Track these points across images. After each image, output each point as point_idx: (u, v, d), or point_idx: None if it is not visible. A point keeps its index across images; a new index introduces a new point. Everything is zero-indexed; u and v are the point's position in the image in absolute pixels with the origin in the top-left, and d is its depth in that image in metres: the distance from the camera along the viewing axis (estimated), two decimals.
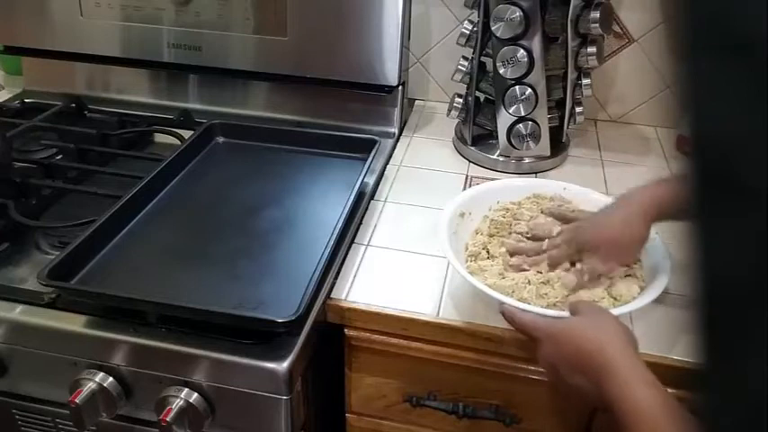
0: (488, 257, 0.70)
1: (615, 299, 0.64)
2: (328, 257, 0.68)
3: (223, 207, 0.82)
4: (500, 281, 0.65)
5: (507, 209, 0.75)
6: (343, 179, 0.86)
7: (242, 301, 0.65)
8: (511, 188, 0.79)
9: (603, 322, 0.55)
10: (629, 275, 0.66)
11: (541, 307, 0.62)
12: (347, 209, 0.76)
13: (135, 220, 0.78)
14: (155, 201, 0.81)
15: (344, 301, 0.69)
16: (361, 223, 0.81)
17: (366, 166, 0.84)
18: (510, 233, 0.72)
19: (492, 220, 0.74)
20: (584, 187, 0.78)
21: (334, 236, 0.70)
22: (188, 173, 0.88)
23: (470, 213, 0.75)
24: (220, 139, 0.97)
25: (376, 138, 0.91)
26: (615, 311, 0.60)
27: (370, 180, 0.88)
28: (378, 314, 0.68)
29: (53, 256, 0.69)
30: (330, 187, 0.86)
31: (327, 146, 0.94)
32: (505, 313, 0.60)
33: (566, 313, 0.60)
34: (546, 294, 0.64)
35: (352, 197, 0.78)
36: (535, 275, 0.66)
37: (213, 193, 0.85)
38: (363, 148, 0.90)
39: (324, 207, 0.82)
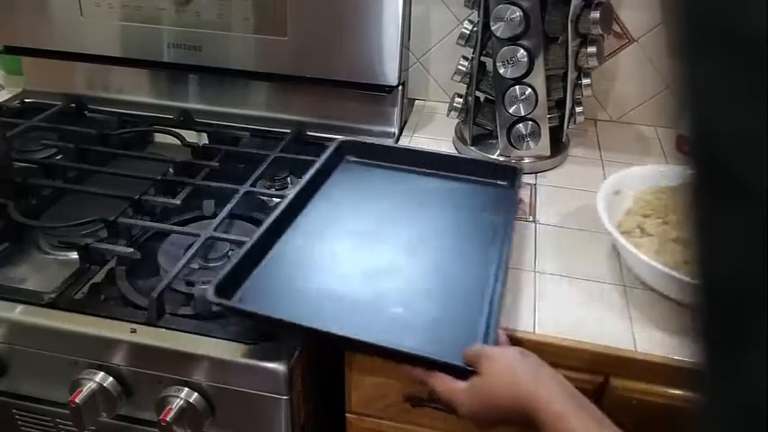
0: (641, 236, 0.70)
1: None
2: None
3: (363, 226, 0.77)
4: (655, 257, 0.65)
5: (663, 192, 0.76)
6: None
7: None
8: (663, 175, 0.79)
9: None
10: None
11: None
12: None
13: (278, 241, 0.72)
14: (294, 222, 0.76)
15: None
16: None
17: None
18: (666, 215, 0.72)
19: (646, 201, 0.75)
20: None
21: None
22: (322, 193, 0.83)
23: (621, 192, 0.77)
24: (351, 158, 0.90)
25: (516, 166, 0.87)
26: None
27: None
28: None
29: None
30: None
31: (466, 170, 0.87)
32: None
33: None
34: None
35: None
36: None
37: (352, 213, 0.79)
38: (506, 175, 0.85)
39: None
